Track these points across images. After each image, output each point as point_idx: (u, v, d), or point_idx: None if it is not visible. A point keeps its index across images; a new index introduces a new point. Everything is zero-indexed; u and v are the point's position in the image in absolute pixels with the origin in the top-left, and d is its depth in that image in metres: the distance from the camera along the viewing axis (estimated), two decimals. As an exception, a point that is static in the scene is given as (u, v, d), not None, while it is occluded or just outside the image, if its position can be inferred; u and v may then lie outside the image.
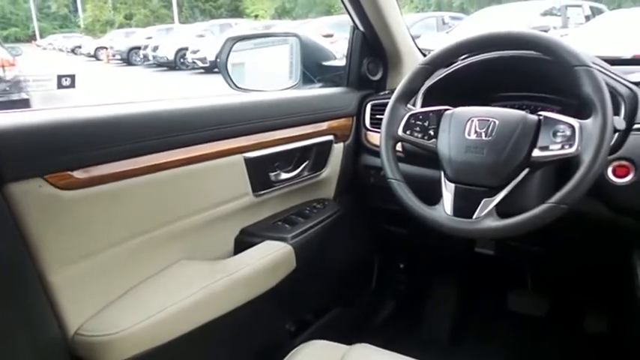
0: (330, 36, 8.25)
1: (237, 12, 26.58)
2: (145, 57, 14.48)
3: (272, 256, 1.02)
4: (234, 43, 1.37)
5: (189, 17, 25.98)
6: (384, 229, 1.46)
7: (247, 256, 1.00)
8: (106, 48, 16.52)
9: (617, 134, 0.92)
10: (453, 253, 1.49)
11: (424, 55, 1.34)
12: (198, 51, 12.11)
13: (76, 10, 29.46)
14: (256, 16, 24.99)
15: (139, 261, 0.87)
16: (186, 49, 12.70)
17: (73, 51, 19.71)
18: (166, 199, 0.89)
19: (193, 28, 15.70)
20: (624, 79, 0.98)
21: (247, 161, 1.03)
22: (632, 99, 0.95)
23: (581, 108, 0.88)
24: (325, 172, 1.25)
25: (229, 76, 1.35)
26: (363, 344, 0.89)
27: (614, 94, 0.94)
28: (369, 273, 1.59)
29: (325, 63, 1.42)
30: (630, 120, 0.93)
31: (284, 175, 1.15)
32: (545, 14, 8.02)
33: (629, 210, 0.94)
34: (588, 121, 0.81)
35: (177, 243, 0.94)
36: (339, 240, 1.29)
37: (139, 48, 14.96)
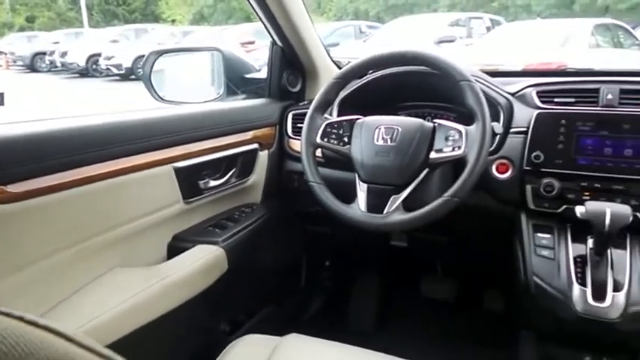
0: (252, 43, 8.29)
1: (152, 16, 25.64)
2: (52, 63, 13.57)
3: (204, 259, 1.08)
4: (158, 56, 1.41)
5: (100, 21, 24.65)
6: (309, 229, 1.57)
7: (180, 261, 1.06)
8: (5, 53, 15.21)
9: (497, 137, 1.10)
10: (372, 248, 1.64)
11: (339, 68, 1.47)
12: (112, 57, 11.58)
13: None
14: (173, 21, 24.29)
15: (74, 271, 0.90)
16: (99, 54, 12.08)
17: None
18: (99, 210, 0.93)
19: (106, 33, 14.96)
20: (502, 90, 1.17)
21: (177, 170, 1.08)
22: (508, 107, 1.14)
23: (468, 116, 1.04)
24: (252, 179, 1.33)
25: (153, 88, 1.38)
26: (294, 334, 0.97)
27: (494, 104, 1.12)
28: (297, 271, 1.69)
29: (248, 75, 1.50)
30: (507, 125, 1.12)
31: (213, 183, 1.21)
32: (452, 25, 8.60)
33: (510, 200, 1.12)
34: (472, 127, 0.97)
35: (111, 251, 0.98)
36: (268, 242, 1.37)
37: (44, 53, 13.98)
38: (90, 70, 12.43)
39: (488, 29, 8.61)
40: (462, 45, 7.34)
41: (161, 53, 1.43)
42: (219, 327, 1.28)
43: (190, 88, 1.53)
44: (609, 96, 1.07)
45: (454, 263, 1.70)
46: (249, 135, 1.31)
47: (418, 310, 1.75)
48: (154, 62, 1.39)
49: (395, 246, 1.48)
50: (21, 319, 0.23)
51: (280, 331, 0.99)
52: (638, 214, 0.98)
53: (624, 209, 0.91)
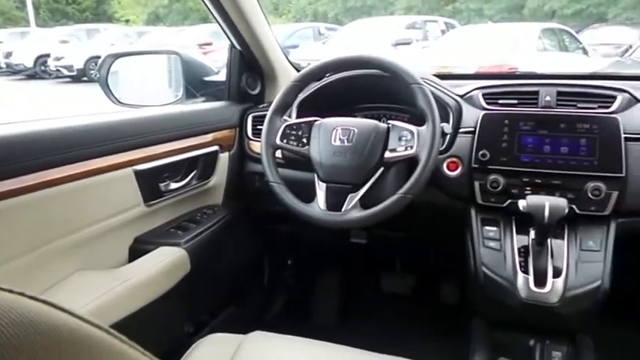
0: (209, 44, 8.20)
1: (105, 16, 24.82)
2: (-5, 64, 12.91)
3: (167, 261, 1.10)
4: (115, 59, 1.40)
5: (48, 20, 23.63)
6: (271, 229, 1.60)
7: (143, 262, 1.07)
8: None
9: (447, 137, 1.17)
10: (333, 246, 1.68)
11: (297, 70, 1.51)
12: (62, 58, 11.11)
13: None
14: (127, 21, 23.62)
15: (35, 275, 0.89)
16: (48, 55, 11.57)
17: None
18: (59, 214, 0.92)
19: (55, 33, 14.35)
20: (451, 92, 1.24)
21: (137, 173, 1.09)
22: (457, 109, 1.21)
23: (420, 117, 1.10)
24: (213, 180, 1.35)
25: (111, 92, 1.38)
26: (258, 332, 0.98)
27: (444, 105, 1.19)
28: (260, 271, 1.71)
29: (207, 78, 1.51)
30: (456, 125, 1.19)
31: (174, 185, 1.22)
32: (409, 27, 8.80)
33: (460, 196, 1.19)
34: (423, 128, 1.03)
35: (73, 255, 0.97)
36: (230, 242, 1.39)
37: (-16, 54, 13.28)
38: (38, 71, 11.90)
39: (443, 32, 8.87)
40: (419, 47, 7.54)
41: (118, 56, 1.42)
42: (182, 328, 1.29)
43: (149, 91, 1.53)
44: (547, 98, 1.15)
45: (412, 259, 1.77)
46: (209, 137, 1.32)
47: (378, 305, 1.81)
48: (110, 65, 1.39)
49: (355, 243, 1.53)
50: (22, 294, 0.26)
51: (244, 330, 1.01)
52: (573, 206, 1.07)
53: (561, 202, 0.99)
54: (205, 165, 1.31)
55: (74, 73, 10.89)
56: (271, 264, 1.74)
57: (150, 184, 1.13)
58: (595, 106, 1.13)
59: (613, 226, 1.08)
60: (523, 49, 6.06)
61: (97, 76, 1.41)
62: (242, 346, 0.94)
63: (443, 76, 1.36)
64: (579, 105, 1.14)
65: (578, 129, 1.09)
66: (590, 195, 1.06)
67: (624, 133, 1.06)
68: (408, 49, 7.18)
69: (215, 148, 1.34)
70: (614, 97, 1.13)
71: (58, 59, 11.22)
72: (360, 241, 1.52)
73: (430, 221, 1.35)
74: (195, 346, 0.96)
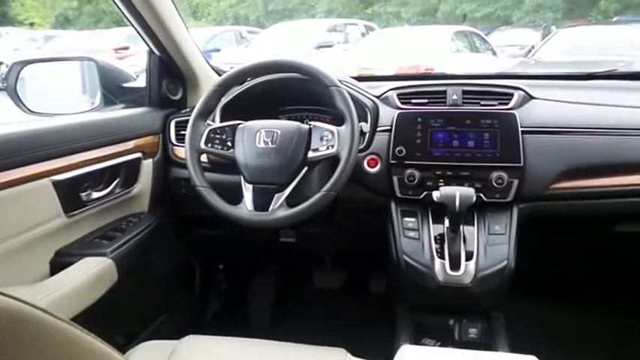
0: (126, 49, 7.86)
1: (5, 19, 22.91)
2: None
3: (92, 272, 1.07)
4: (23, 66, 1.34)
5: None
6: (201, 234, 1.59)
7: (67, 275, 1.03)
8: None
9: (366, 136, 1.24)
10: (264, 246, 1.70)
11: (219, 74, 1.52)
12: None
13: None
14: (32, 24, 21.97)
15: None
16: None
17: None
18: None
19: (-52, 37, 13.06)
20: (369, 93, 1.31)
21: (55, 184, 1.05)
22: (374, 109, 1.28)
23: (340, 117, 1.16)
24: (137, 188, 1.33)
25: (21, 101, 1.31)
26: (192, 336, 0.98)
27: (362, 106, 1.26)
28: (191, 276, 1.70)
29: (126, 84, 1.48)
30: (374, 124, 1.26)
31: (96, 194, 1.19)
32: (330, 30, 8.95)
33: (381, 191, 1.26)
34: (342, 128, 1.09)
35: None
36: (159, 249, 1.37)
37: None
38: None
39: (363, 35, 9.13)
40: (341, 50, 7.72)
41: (27, 63, 1.35)
42: (113, 339, 1.25)
43: (63, 99, 1.47)
44: (454, 96, 1.26)
45: (341, 254, 1.83)
46: (131, 144, 1.30)
47: (312, 301, 1.86)
48: (18, 73, 1.32)
49: (285, 242, 1.56)
50: None
51: (178, 337, 1.00)
52: (480, 194, 1.17)
53: (470, 191, 1.09)
54: (128, 172, 1.28)
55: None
56: (202, 269, 1.73)
57: (70, 195, 1.10)
58: (496, 103, 1.25)
59: (515, 211, 1.20)
60: (438, 50, 6.41)
61: (5, 84, 1.34)
62: (176, 351, 0.93)
63: (360, 78, 1.44)
64: (482, 102, 1.25)
65: (482, 124, 1.20)
66: (494, 184, 1.17)
67: (521, 127, 1.19)
68: (330, 52, 7.32)
69: (138, 155, 1.31)
70: (512, 95, 1.26)
71: (-49, 66, 10.20)
72: (289, 240, 1.55)
73: (355, 216, 1.42)
74: (126, 356, 0.94)
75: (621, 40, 6.07)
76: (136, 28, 1.29)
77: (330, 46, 7.69)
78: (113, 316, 1.20)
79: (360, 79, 1.41)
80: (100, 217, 1.23)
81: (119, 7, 1.21)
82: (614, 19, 12.29)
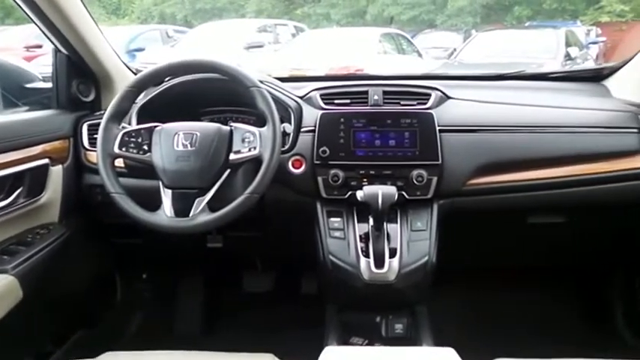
0: (39, 47, 7.31)
1: None
2: None
3: None
4: None
5: None
6: (120, 243, 1.51)
7: None
8: None
9: (290, 137, 1.23)
10: (189, 253, 1.64)
11: (134, 74, 1.44)
12: None
13: None
14: None
15: None
16: None
17: None
18: None
19: None
20: (292, 94, 1.30)
21: None
22: (298, 109, 1.27)
23: (263, 118, 1.14)
24: (45, 197, 1.23)
25: None
26: (110, 352, 0.93)
27: (285, 106, 1.25)
28: (112, 289, 1.60)
29: (29, 85, 1.37)
30: (298, 125, 1.25)
31: None
32: (260, 31, 8.88)
33: (307, 192, 1.26)
34: (264, 129, 1.07)
35: None
36: (73, 262, 1.28)
37: None
38: None
39: (293, 35, 9.14)
40: (271, 50, 7.67)
41: None
42: None
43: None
44: (375, 97, 1.28)
45: (271, 256, 1.81)
46: (36, 150, 1.20)
47: (242, 306, 1.82)
48: None
49: (212, 248, 1.52)
50: None
51: (97, 353, 0.95)
52: (403, 192, 1.20)
53: (392, 190, 1.11)
54: (33, 180, 1.19)
55: None
56: (124, 280, 1.64)
57: None
58: (415, 103, 1.28)
59: (435, 208, 1.24)
60: (366, 52, 6.55)
61: None
62: None
63: (284, 79, 1.42)
64: (402, 102, 1.28)
65: (402, 124, 1.23)
66: (415, 181, 1.20)
67: (438, 126, 1.23)
68: (260, 52, 7.26)
69: (45, 161, 1.22)
70: (429, 95, 1.30)
71: None
72: (216, 245, 1.51)
73: (282, 218, 1.40)
74: None
75: (533, 43, 6.59)
76: (37, 25, 1.20)
77: (260, 47, 7.62)
78: (20, 337, 1.10)
79: (283, 79, 1.40)
80: (1, 230, 1.12)
81: (18, 3, 1.11)
82: (526, 24, 13.25)
